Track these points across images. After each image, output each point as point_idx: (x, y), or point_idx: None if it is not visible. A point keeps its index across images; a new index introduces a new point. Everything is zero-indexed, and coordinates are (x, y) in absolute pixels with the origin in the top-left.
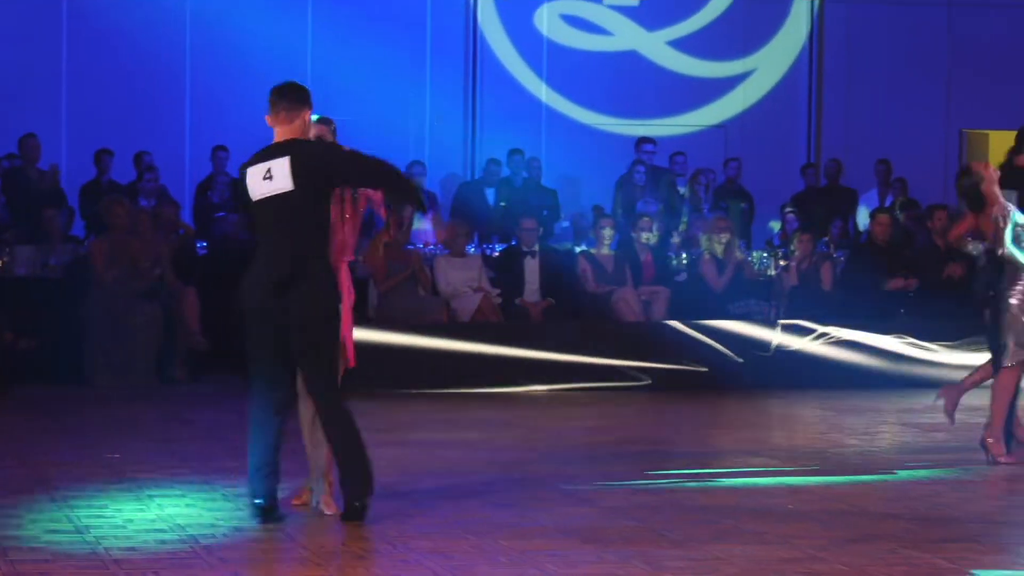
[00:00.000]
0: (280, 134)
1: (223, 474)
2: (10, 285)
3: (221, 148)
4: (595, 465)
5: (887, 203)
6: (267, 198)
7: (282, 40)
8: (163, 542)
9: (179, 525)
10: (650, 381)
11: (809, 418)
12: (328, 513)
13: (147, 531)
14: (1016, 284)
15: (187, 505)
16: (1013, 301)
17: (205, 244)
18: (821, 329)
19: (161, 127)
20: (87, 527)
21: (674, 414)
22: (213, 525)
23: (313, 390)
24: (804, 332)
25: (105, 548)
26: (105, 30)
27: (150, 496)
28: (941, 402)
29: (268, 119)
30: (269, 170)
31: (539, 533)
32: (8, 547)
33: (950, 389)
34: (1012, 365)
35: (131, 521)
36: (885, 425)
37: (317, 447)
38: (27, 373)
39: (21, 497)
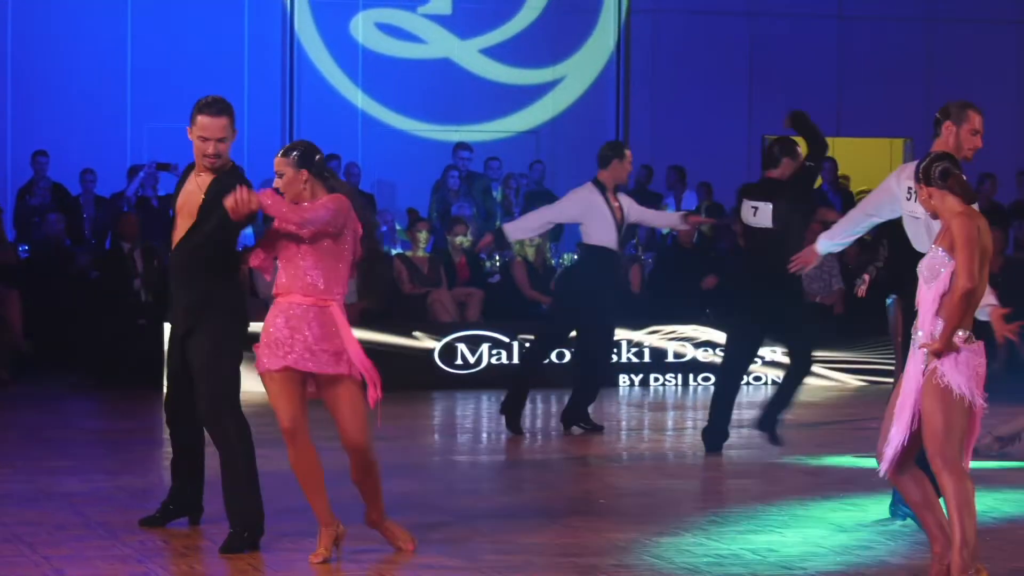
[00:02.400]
0: None
1: (47, 473)
2: None
3: (41, 153)
4: (412, 464)
5: (683, 207)
6: None
7: (102, 45)
8: None
9: (3, 524)
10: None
11: (616, 415)
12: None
13: None
14: None
15: (11, 504)
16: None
17: (27, 248)
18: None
19: None
20: None
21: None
22: (38, 524)
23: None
24: None
25: None
26: None
27: None
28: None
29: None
30: None
31: (355, 530)
32: None
33: None
34: None
35: None
36: (690, 422)
37: None
38: None
39: None
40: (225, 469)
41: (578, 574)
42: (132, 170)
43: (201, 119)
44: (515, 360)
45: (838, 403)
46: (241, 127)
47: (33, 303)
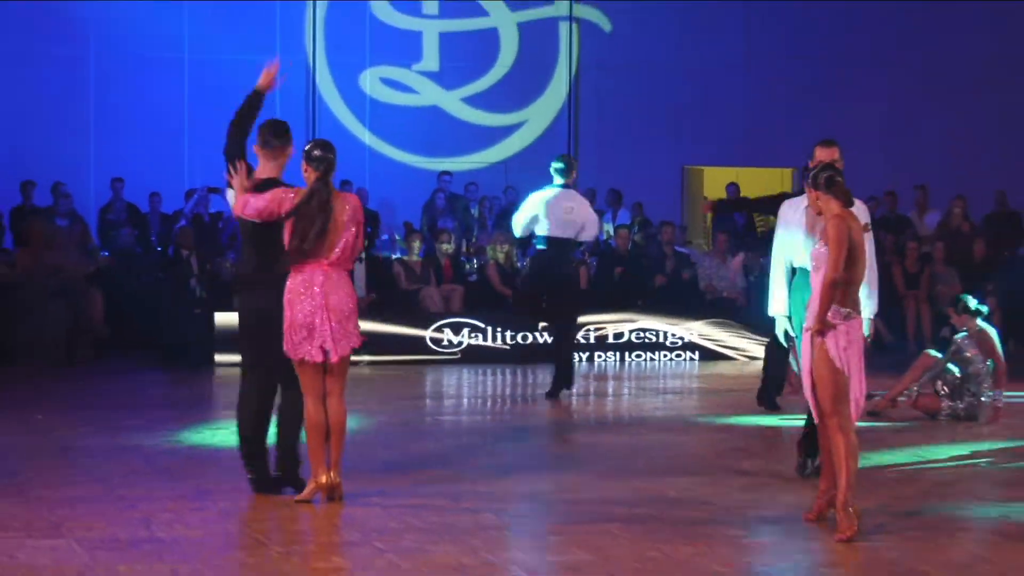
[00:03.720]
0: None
1: (123, 431)
2: None
3: (118, 180)
4: (407, 424)
5: (619, 222)
6: None
7: (165, 97)
8: (74, 484)
9: (86, 469)
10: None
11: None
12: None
13: (66, 485)
14: None
15: (93, 455)
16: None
17: (108, 254)
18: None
19: (70, 161)
20: None
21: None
22: (115, 470)
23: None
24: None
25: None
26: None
27: (63, 449)
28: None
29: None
30: None
31: (357, 475)
32: None
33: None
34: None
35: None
36: (625, 390)
37: None
38: None
39: None
40: (288, 427)
41: (540, 504)
42: (188, 193)
43: None
44: (490, 342)
45: (740, 375)
46: None
47: (112, 299)
